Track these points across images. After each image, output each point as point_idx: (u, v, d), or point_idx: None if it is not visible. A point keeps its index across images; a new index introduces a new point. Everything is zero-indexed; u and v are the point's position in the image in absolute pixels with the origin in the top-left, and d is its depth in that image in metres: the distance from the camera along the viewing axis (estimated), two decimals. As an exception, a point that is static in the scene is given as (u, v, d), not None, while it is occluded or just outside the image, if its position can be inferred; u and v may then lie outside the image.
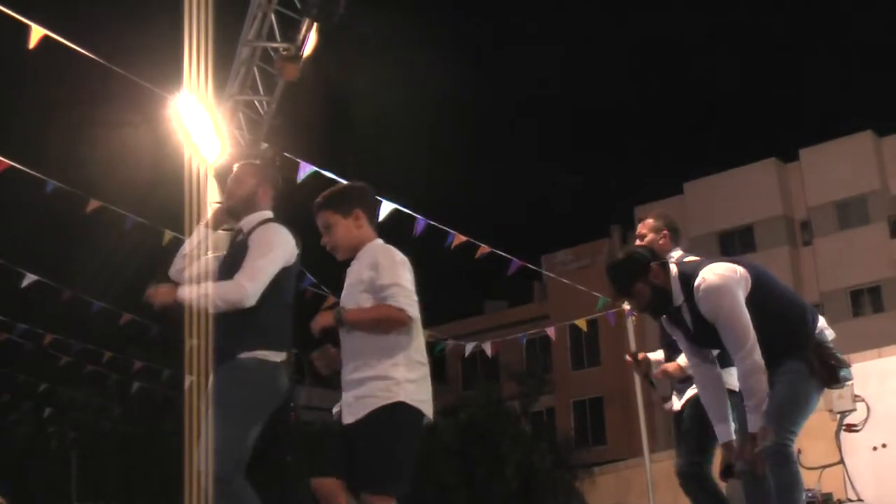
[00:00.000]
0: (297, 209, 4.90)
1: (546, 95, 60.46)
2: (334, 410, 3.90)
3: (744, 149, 59.37)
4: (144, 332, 12.17)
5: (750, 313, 4.14)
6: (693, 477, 4.90)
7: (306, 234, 4.25)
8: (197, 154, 7.39)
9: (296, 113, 8.21)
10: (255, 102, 8.37)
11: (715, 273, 4.20)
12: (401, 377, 3.72)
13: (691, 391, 4.90)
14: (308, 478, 3.79)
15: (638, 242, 5.02)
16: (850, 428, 9.39)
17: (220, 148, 7.67)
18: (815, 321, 4.27)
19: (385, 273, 3.78)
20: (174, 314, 4.14)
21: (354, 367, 3.79)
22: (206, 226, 4.43)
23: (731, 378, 4.44)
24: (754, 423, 4.10)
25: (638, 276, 4.26)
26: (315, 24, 7.10)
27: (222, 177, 7.13)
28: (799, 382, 4.14)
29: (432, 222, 8.57)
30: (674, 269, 4.32)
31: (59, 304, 11.10)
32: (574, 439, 27.76)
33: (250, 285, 3.99)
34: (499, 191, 57.81)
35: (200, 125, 7.44)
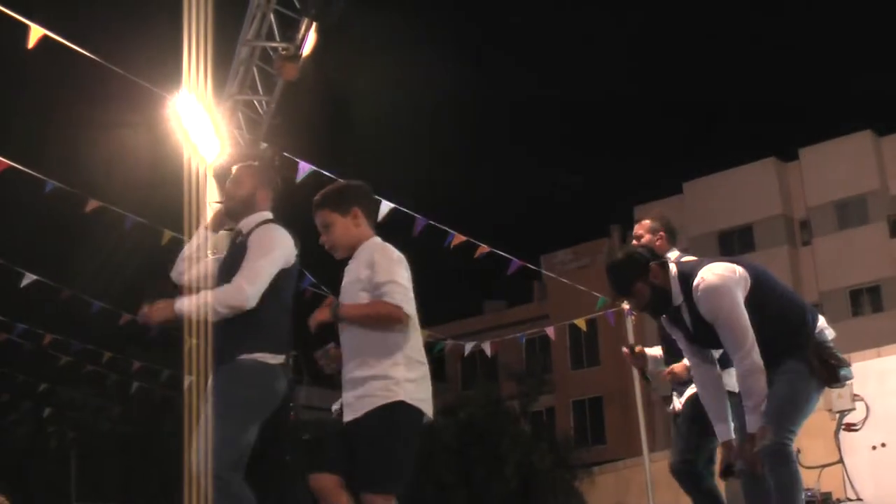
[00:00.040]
0: (296, 209, 4.90)
1: (546, 95, 60.53)
2: (334, 408, 3.91)
3: (743, 148, 59.46)
4: (144, 332, 12.16)
5: (749, 313, 4.14)
6: (686, 474, 4.91)
7: (306, 235, 4.25)
8: (196, 154, 7.39)
9: (295, 113, 8.21)
10: (255, 102, 8.37)
11: (714, 273, 4.20)
12: (400, 376, 3.72)
13: (690, 391, 4.90)
14: (306, 475, 3.79)
15: (635, 243, 5.03)
16: (850, 427, 9.39)
17: (219, 148, 7.67)
18: (814, 321, 4.26)
19: (381, 270, 3.78)
20: (175, 327, 4.13)
21: (354, 366, 3.79)
22: (207, 228, 4.43)
23: (731, 379, 4.44)
24: (753, 424, 4.10)
25: (637, 275, 4.25)
26: (314, 24, 7.10)
27: (222, 177, 7.14)
28: (798, 382, 4.14)
29: (432, 222, 8.58)
30: (673, 268, 4.31)
31: (59, 304, 11.11)
32: (573, 439, 27.76)
33: (250, 287, 3.99)
34: (498, 190, 57.87)
35: (200, 125, 7.45)
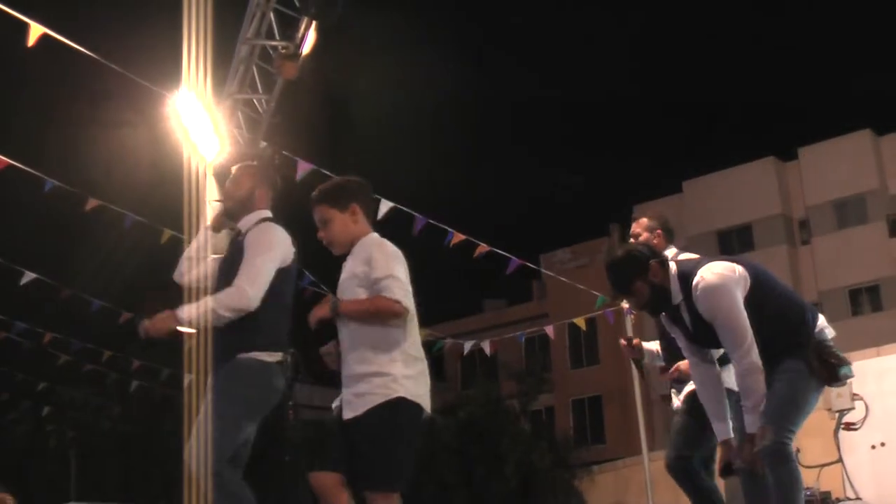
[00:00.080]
0: (296, 208, 4.90)
1: (547, 96, 60.53)
2: (334, 405, 3.91)
3: (742, 147, 59.50)
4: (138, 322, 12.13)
5: (749, 313, 4.13)
6: (681, 470, 4.90)
7: (306, 234, 4.25)
8: (196, 153, 7.39)
9: (295, 111, 8.21)
10: (254, 101, 8.37)
11: (713, 272, 4.19)
12: (398, 373, 3.73)
13: (688, 387, 4.90)
14: (307, 473, 3.79)
15: (632, 241, 5.03)
16: (849, 426, 9.38)
17: (218, 146, 7.67)
18: (814, 320, 4.26)
19: (379, 266, 3.78)
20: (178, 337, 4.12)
21: (353, 362, 3.79)
22: (208, 229, 4.43)
23: (730, 377, 4.43)
24: (752, 424, 4.10)
25: (637, 273, 4.25)
26: (314, 23, 7.10)
27: (221, 176, 7.14)
28: (798, 381, 4.14)
29: (432, 221, 8.59)
30: (673, 267, 4.31)
31: (59, 303, 11.12)
32: (573, 438, 27.77)
33: (251, 289, 3.99)
34: (498, 190, 57.86)
35: (199, 124, 7.44)
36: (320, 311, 3.82)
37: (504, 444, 22.80)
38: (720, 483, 4.99)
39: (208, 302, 4.00)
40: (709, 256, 4.55)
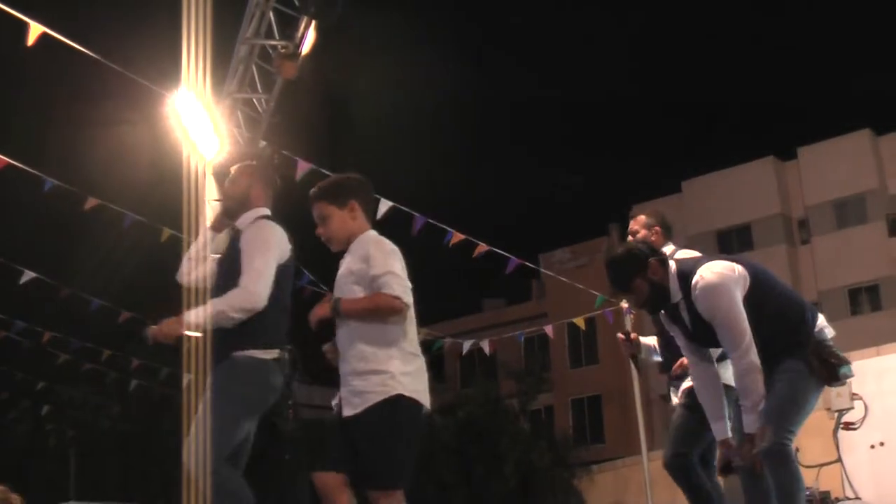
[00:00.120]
0: (295, 208, 4.90)
1: (546, 96, 60.52)
2: (334, 403, 3.91)
3: (742, 147, 59.48)
4: (143, 329, 12.14)
5: (748, 312, 4.13)
6: (679, 468, 4.89)
7: (306, 233, 4.25)
8: (195, 152, 7.39)
9: (294, 111, 8.22)
10: (254, 100, 8.37)
11: (713, 272, 4.19)
12: (397, 370, 3.73)
13: (686, 383, 4.90)
14: (308, 473, 3.79)
15: (630, 239, 5.03)
16: (848, 426, 9.37)
17: (218, 146, 7.67)
18: (814, 319, 4.25)
19: (377, 263, 3.79)
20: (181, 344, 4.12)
21: (351, 360, 3.80)
22: (209, 228, 4.44)
23: (728, 373, 4.43)
24: (751, 424, 4.09)
25: (636, 271, 4.25)
26: (313, 22, 7.10)
27: (221, 175, 7.14)
28: (798, 381, 4.13)
29: (431, 220, 8.59)
30: (672, 266, 4.31)
31: (58, 302, 11.12)
32: (572, 437, 27.80)
33: (257, 287, 3.99)
34: (497, 189, 57.85)
35: (199, 123, 7.45)
36: (321, 311, 3.83)
37: (503, 444, 22.82)
38: (716, 480, 4.98)
39: (216, 304, 4.00)
40: (708, 255, 4.55)
